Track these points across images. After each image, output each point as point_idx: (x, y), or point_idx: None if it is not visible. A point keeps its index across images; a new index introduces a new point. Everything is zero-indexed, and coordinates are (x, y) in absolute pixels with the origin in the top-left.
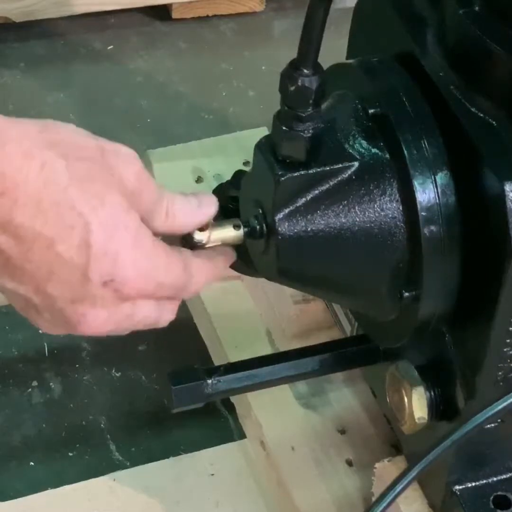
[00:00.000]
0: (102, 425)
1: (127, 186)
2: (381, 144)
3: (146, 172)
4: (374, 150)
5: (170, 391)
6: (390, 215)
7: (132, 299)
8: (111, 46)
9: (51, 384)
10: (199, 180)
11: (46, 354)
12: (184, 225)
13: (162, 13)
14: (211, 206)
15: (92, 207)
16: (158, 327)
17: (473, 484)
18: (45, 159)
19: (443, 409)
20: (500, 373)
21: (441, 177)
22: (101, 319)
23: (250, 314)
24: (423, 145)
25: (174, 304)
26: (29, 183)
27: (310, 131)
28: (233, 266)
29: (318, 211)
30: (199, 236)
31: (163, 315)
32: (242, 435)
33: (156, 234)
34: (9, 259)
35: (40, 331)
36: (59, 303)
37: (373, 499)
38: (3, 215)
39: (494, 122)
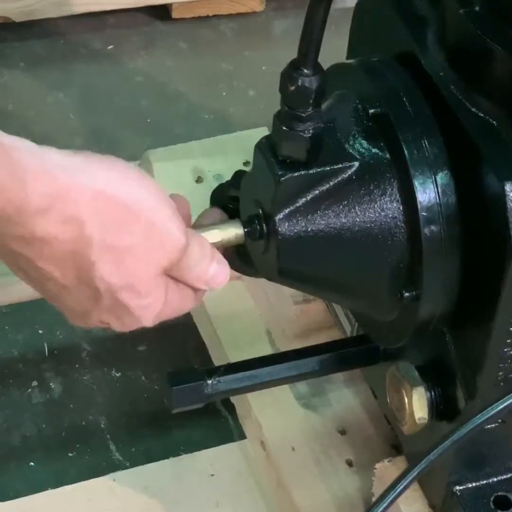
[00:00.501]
0: (102, 425)
1: (160, 268)
2: (382, 144)
3: (183, 255)
4: (374, 150)
5: (170, 391)
6: (391, 215)
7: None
8: (111, 46)
9: (51, 384)
10: (199, 180)
11: (46, 354)
12: (193, 285)
13: (162, 13)
14: (223, 280)
15: (111, 290)
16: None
17: (474, 484)
18: (83, 230)
19: (443, 409)
20: (500, 373)
21: (442, 177)
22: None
23: (250, 314)
24: (424, 145)
25: None
26: (59, 246)
27: (310, 131)
28: (233, 266)
29: (318, 211)
30: None
31: None
32: (242, 435)
33: None
34: (26, 272)
35: (40, 331)
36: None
37: (373, 499)
38: (27, 257)
39: (494, 122)
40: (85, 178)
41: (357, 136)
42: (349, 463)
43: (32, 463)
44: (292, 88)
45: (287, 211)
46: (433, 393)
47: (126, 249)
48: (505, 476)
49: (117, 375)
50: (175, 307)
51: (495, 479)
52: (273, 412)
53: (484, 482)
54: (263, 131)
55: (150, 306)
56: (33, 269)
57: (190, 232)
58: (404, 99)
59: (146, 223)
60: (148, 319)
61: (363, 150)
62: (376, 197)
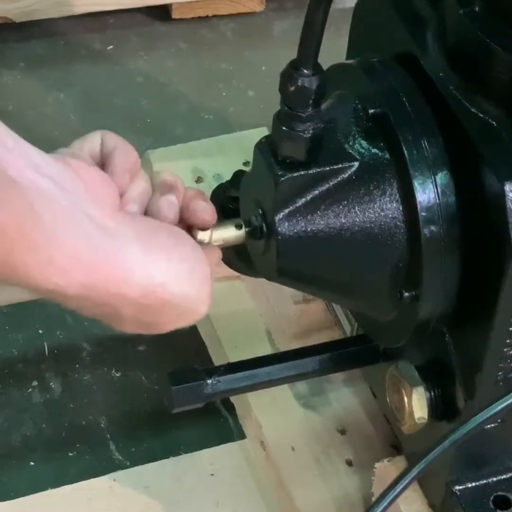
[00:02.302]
0: (102, 425)
1: None
2: (381, 144)
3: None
4: (374, 150)
5: (170, 391)
6: (390, 215)
7: None
8: (111, 46)
9: (51, 384)
10: (199, 180)
11: (46, 354)
12: None
13: (162, 13)
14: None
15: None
16: None
17: (473, 484)
18: (117, 312)
19: (443, 409)
20: (500, 373)
21: (441, 177)
22: None
23: (250, 314)
24: (423, 145)
25: None
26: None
27: (310, 131)
28: (233, 266)
29: (318, 211)
30: (201, 236)
31: None
32: (242, 435)
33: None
34: None
35: (40, 331)
36: None
37: (373, 499)
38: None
39: (494, 122)
40: (140, 272)
41: (357, 136)
42: (349, 463)
43: (32, 463)
44: (292, 88)
45: (287, 211)
46: (432, 393)
47: (155, 323)
48: (504, 476)
49: (117, 375)
50: None
51: (494, 479)
52: (273, 412)
53: (484, 482)
54: (263, 131)
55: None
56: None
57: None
58: (404, 99)
59: (181, 311)
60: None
61: (363, 150)
62: (375, 197)
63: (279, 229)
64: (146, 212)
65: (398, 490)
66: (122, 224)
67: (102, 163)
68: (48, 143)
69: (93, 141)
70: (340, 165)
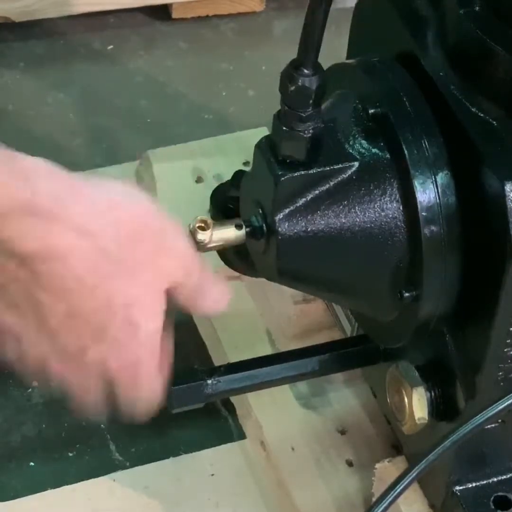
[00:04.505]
0: (102, 425)
1: (171, 278)
2: (382, 144)
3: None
4: (374, 150)
5: (170, 391)
6: (390, 215)
7: None
8: (111, 46)
9: (51, 384)
10: (199, 180)
11: None
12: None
13: (162, 13)
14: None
15: (127, 304)
16: None
17: (474, 484)
18: (97, 243)
19: (443, 410)
20: (500, 373)
21: (442, 177)
22: None
23: (250, 314)
24: (424, 145)
25: None
26: (77, 262)
27: (310, 131)
28: (233, 266)
29: (318, 211)
30: (201, 236)
31: None
32: (242, 436)
33: None
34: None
35: None
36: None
37: (373, 499)
38: (39, 281)
39: (494, 122)
40: (99, 186)
41: (357, 136)
42: (349, 463)
43: (32, 463)
44: (292, 88)
45: (287, 211)
46: (433, 393)
47: (139, 261)
48: (505, 476)
49: None
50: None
51: (495, 479)
52: (273, 412)
53: (484, 482)
54: (263, 131)
55: (158, 329)
56: (37, 298)
57: None
58: (404, 99)
59: (158, 231)
60: (153, 346)
61: (363, 150)
62: (376, 197)
63: (279, 229)
64: None
65: (398, 490)
66: None
67: None
68: (47, 142)
69: None
70: (340, 165)
